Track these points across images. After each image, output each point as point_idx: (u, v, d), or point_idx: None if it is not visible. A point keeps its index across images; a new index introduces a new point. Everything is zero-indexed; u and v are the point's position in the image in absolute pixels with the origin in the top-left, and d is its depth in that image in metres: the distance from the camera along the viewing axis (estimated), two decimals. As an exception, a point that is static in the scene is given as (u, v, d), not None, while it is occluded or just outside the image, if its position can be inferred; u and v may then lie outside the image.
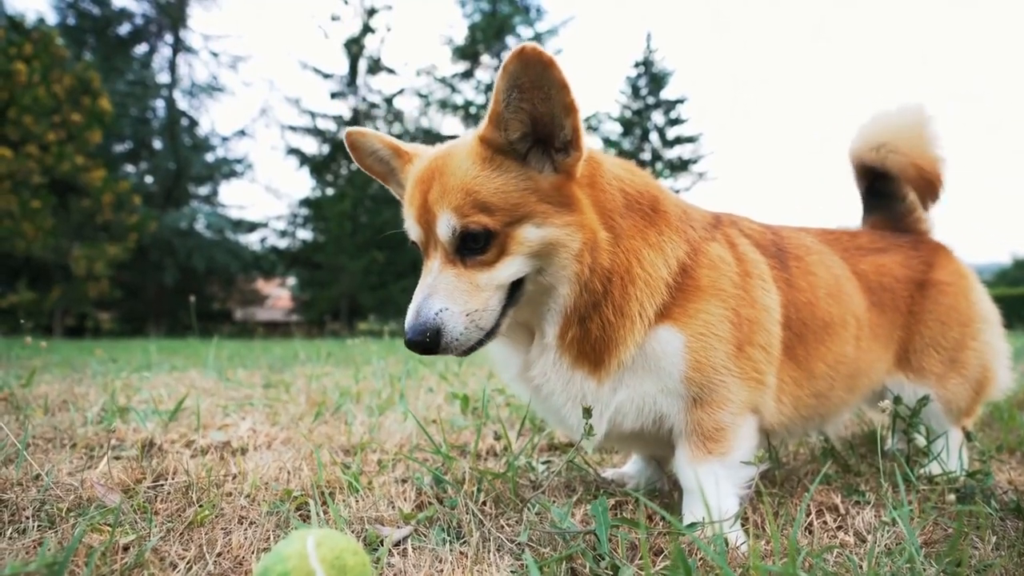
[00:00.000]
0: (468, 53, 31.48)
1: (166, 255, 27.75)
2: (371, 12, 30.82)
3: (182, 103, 31.12)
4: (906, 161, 2.02)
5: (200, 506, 1.43)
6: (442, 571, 1.13)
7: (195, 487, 1.52)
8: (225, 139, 31.71)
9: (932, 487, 1.63)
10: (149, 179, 30.55)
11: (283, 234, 32.49)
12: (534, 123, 1.28)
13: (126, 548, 1.19)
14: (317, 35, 37.85)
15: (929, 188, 2.06)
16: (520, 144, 1.31)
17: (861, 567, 1.14)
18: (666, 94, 33.84)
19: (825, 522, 1.49)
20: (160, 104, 30.82)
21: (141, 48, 30.84)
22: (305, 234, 32.85)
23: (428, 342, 1.24)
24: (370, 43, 31.72)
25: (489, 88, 31.50)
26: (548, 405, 1.50)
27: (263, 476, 1.68)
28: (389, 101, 32.48)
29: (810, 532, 1.42)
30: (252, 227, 31.68)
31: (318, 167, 32.15)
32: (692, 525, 1.31)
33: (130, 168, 30.58)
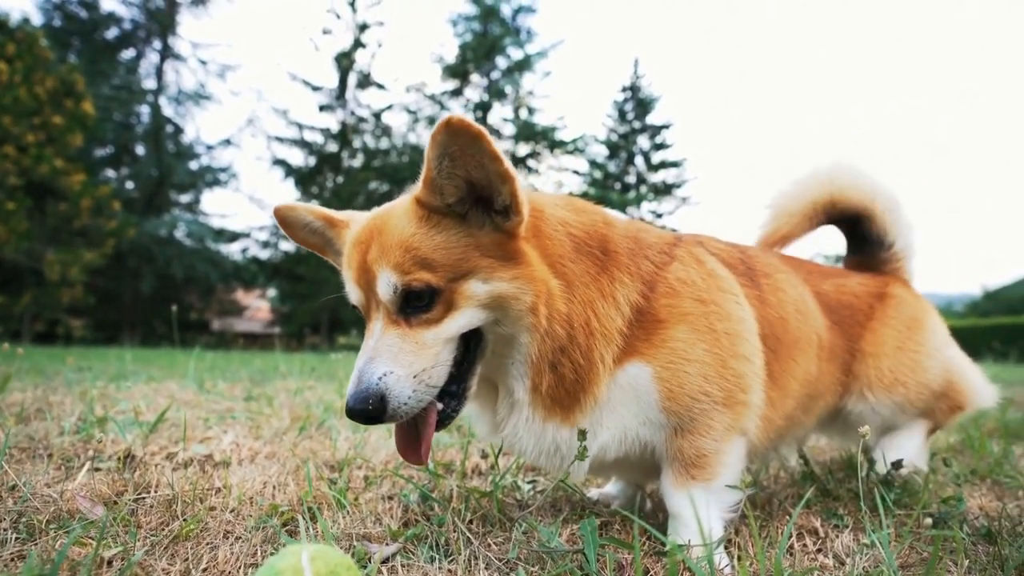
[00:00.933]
0: (458, 72, 31.83)
1: (144, 262, 27.27)
2: (363, 27, 31.06)
3: (168, 110, 30.89)
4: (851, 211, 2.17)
5: (184, 520, 1.41)
6: (431, 589, 1.13)
7: (179, 500, 1.50)
8: (210, 147, 31.50)
9: (908, 513, 1.67)
10: (130, 185, 30.11)
11: (265, 245, 32.18)
12: (470, 187, 1.26)
13: (110, 562, 1.17)
14: (308, 48, 37.97)
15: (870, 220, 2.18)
16: (458, 206, 1.28)
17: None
18: (652, 119, 34.57)
19: (805, 545, 1.52)
20: (145, 110, 30.54)
21: (128, 53, 30.62)
22: (288, 246, 32.53)
23: (371, 409, 1.17)
24: (360, 58, 31.97)
25: (478, 107, 31.85)
26: (528, 460, 1.50)
27: (248, 491, 1.67)
28: (377, 116, 32.59)
29: (791, 554, 1.45)
30: (234, 237, 31.33)
31: (304, 179, 32.02)
32: (678, 547, 1.32)
33: (111, 173, 30.14)
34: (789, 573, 1.22)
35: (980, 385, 2.08)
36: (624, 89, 35.32)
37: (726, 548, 1.44)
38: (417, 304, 1.24)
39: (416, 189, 1.29)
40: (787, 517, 1.70)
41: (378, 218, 1.33)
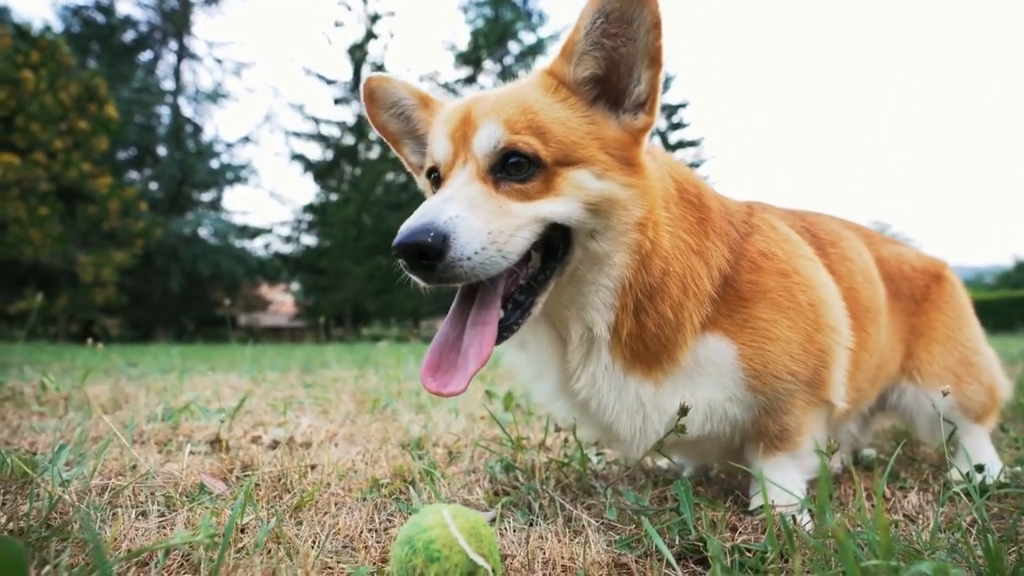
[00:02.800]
0: (471, 59, 31.70)
1: (171, 261, 27.92)
2: (374, 18, 31.05)
3: (187, 110, 31.38)
4: None
5: (297, 494, 1.53)
6: (543, 547, 1.22)
7: (287, 476, 1.62)
8: (229, 145, 31.95)
9: (966, 476, 1.73)
10: (154, 185, 30.75)
11: (287, 240, 32.67)
12: (608, 68, 1.18)
13: (243, 529, 1.29)
14: (321, 41, 38.10)
15: None
16: (588, 87, 1.20)
17: (922, 539, 1.24)
18: (668, 98, 34.06)
19: (874, 505, 1.59)
20: (165, 111, 31.07)
21: (146, 55, 31.13)
22: (309, 239, 33.02)
23: (429, 243, 1.00)
24: (373, 49, 31.99)
25: (492, 93, 31.76)
26: (596, 419, 1.37)
27: (341, 467, 1.79)
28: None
29: (861, 513, 1.52)
30: (256, 233, 31.87)
31: (322, 173, 32.33)
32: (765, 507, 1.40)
33: (135, 175, 30.80)
34: (865, 529, 1.29)
35: (1003, 380, 2.00)
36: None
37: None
38: (514, 172, 1.13)
39: (553, 58, 1.22)
40: (851, 481, 1.77)
41: (494, 89, 1.26)
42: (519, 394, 3.07)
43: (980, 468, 1.67)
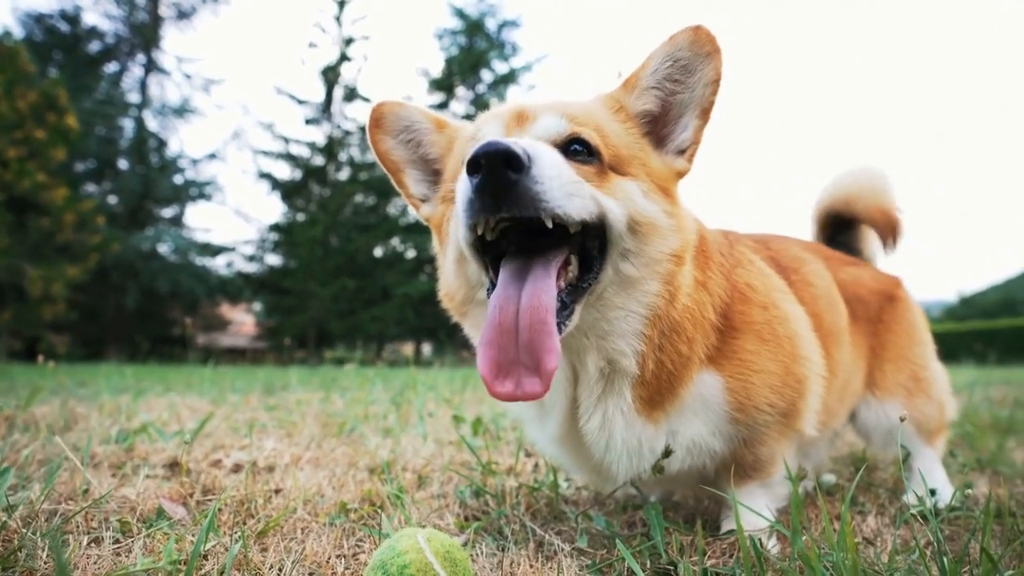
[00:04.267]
0: (444, 85, 32.10)
1: (128, 277, 26.91)
2: (348, 41, 31.22)
3: (152, 123, 30.68)
4: (873, 208, 2.18)
5: (261, 519, 1.48)
6: (516, 572, 1.21)
7: (252, 501, 1.57)
8: (195, 161, 31.27)
9: (920, 500, 1.80)
10: (113, 199, 29.76)
11: (251, 259, 31.96)
12: (663, 108, 1.24)
13: (206, 556, 1.24)
14: (294, 62, 37.97)
15: (891, 230, 2.22)
16: (640, 121, 1.24)
17: (882, 561, 1.28)
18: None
19: (835, 529, 1.63)
20: (129, 123, 30.28)
21: (111, 67, 30.41)
22: (274, 259, 32.37)
23: (517, 152, 0.95)
24: (347, 71, 32.13)
25: (464, 119, 32.05)
26: (597, 459, 1.32)
27: (307, 492, 1.74)
28: (364, 129, 32.60)
29: (824, 537, 1.56)
30: (219, 251, 31.09)
31: (290, 192, 31.93)
32: (731, 531, 1.42)
33: (93, 188, 29.77)
34: (830, 550, 1.33)
35: (950, 401, 2.06)
36: (608, 102, 35.85)
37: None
38: (577, 152, 1.13)
39: (617, 86, 1.26)
40: (815, 505, 1.82)
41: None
42: (488, 419, 3.05)
43: (933, 492, 1.74)
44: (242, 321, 37.57)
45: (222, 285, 30.44)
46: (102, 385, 5.45)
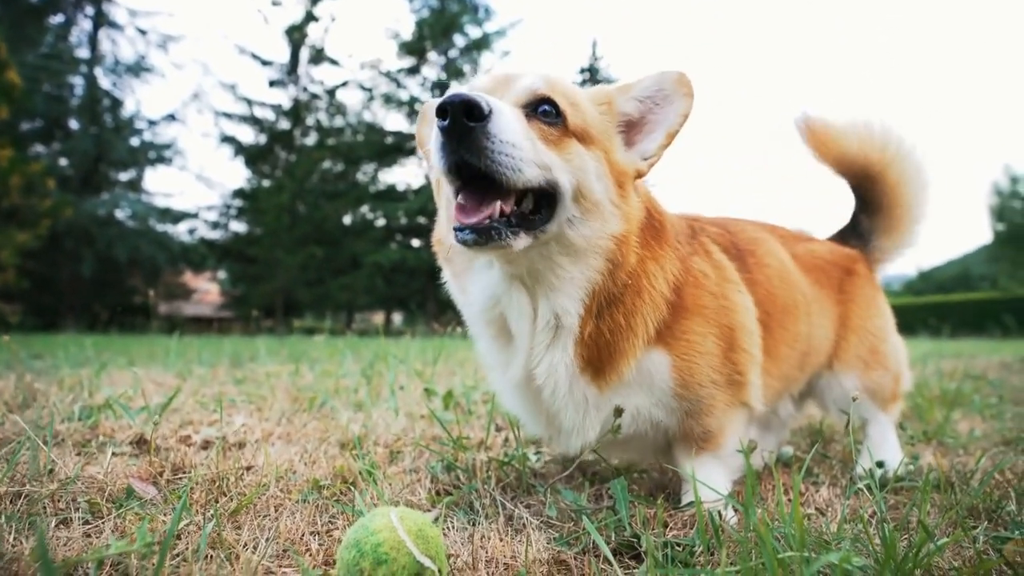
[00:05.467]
0: (415, 49, 31.15)
1: (83, 244, 25.80)
2: (315, 0, 29.92)
3: (104, 81, 28.99)
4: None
5: (232, 497, 1.48)
6: (486, 546, 1.26)
7: (223, 479, 1.57)
8: (152, 123, 29.82)
9: (868, 472, 1.91)
10: (64, 161, 28.26)
11: (215, 226, 31.01)
12: (640, 118, 1.45)
13: (178, 536, 1.24)
14: (256, 20, 36.16)
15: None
16: (618, 120, 1.44)
17: (830, 530, 1.37)
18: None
19: (789, 500, 1.73)
20: (79, 81, 28.57)
21: (57, 19, 28.48)
22: (238, 226, 31.48)
23: (479, 103, 1.08)
24: (313, 32, 30.79)
25: (436, 85, 31.33)
26: (546, 406, 1.46)
27: (279, 469, 1.75)
28: (331, 93, 31.62)
29: (778, 507, 1.65)
30: (180, 217, 29.99)
31: (254, 157, 30.88)
32: (692, 504, 1.50)
33: (41, 149, 28.18)
34: (783, 523, 1.41)
35: (907, 372, 2.15)
36: (582, 71, 35.40)
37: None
38: (545, 113, 1.26)
39: (613, 86, 1.47)
40: (771, 478, 1.91)
41: None
42: (459, 392, 3.08)
43: (881, 464, 1.85)
44: (206, 290, 36.65)
45: (184, 253, 29.47)
46: (61, 357, 5.29)
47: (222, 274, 33.00)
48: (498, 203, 1.18)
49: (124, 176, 30.45)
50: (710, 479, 1.51)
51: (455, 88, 1.18)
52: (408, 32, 31.23)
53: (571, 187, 1.27)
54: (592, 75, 35.06)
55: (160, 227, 28.87)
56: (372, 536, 0.99)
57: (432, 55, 31.53)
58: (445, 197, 1.39)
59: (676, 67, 1.43)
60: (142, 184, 30.48)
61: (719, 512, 1.38)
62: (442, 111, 1.10)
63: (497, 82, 1.33)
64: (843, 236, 2.28)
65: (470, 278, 1.43)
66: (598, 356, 1.40)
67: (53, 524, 1.25)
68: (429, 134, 1.48)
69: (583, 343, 1.38)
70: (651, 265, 1.42)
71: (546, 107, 1.27)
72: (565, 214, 1.28)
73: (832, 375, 2.02)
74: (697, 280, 1.51)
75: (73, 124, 28.51)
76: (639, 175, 1.43)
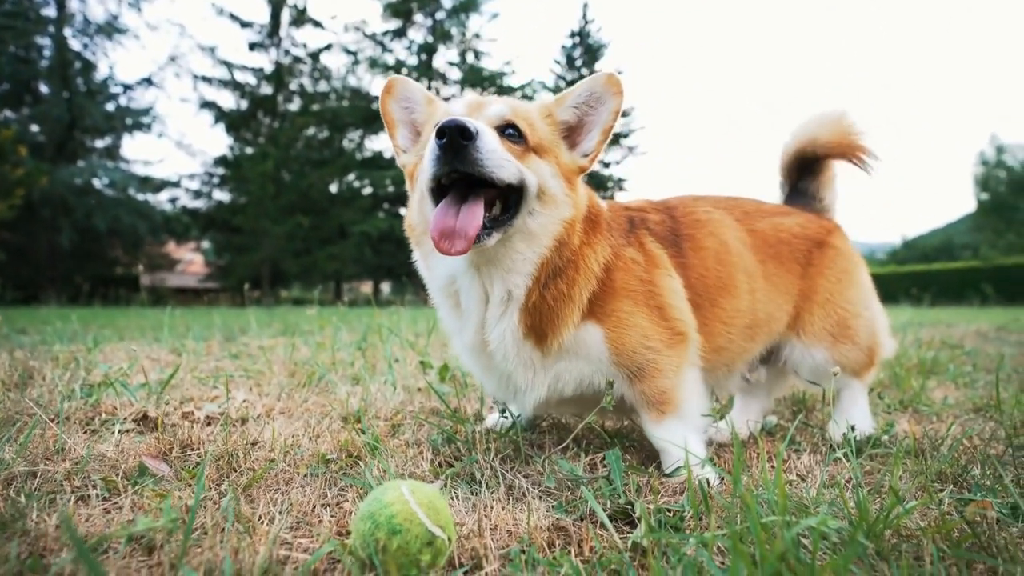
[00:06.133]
0: (401, 11, 30.28)
1: (61, 214, 25.26)
2: (295, -43, 28.80)
3: (74, 43, 27.88)
4: (835, 136, 2.29)
5: (243, 472, 1.54)
6: (489, 514, 1.33)
7: (233, 455, 1.62)
8: (128, 87, 28.90)
9: (847, 438, 2.02)
10: (35, 127, 27.35)
11: (197, 194, 30.44)
12: (578, 122, 1.70)
13: (189, 510, 1.30)
14: (231, -23, 34.73)
15: (857, 151, 2.30)
16: (561, 127, 1.70)
17: (809, 494, 1.46)
18: (600, 66, 34.26)
19: (773, 466, 1.83)
20: (47, 43, 27.45)
21: (20, -25, 27.09)
22: (222, 195, 30.93)
23: (470, 128, 1.37)
24: (294, -9, 29.72)
25: (423, 49, 30.60)
26: (499, 369, 1.71)
27: (284, 444, 1.81)
28: (315, 56, 30.76)
29: (761, 473, 1.75)
30: (161, 186, 29.40)
31: (236, 123, 30.16)
32: (677, 471, 1.59)
33: (10, 114, 27.23)
34: (767, 489, 1.51)
35: (887, 340, 2.22)
36: (573, 35, 34.71)
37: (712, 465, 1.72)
38: (511, 135, 1.56)
39: (551, 100, 1.72)
40: (756, 446, 2.02)
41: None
42: (454, 364, 3.15)
43: (853, 428, 1.95)
44: (190, 260, 36.20)
45: (167, 222, 29.00)
46: (48, 332, 5.27)
47: (206, 244, 32.56)
48: (480, 213, 1.45)
49: (100, 143, 29.65)
50: (675, 439, 1.65)
51: (447, 113, 1.48)
52: (393, -8, 30.27)
53: (534, 186, 1.56)
54: (583, 39, 34.40)
55: (140, 196, 28.30)
56: (386, 508, 1.05)
57: (418, 17, 30.70)
58: (419, 189, 1.60)
59: (605, 71, 1.65)
60: (120, 151, 29.76)
61: (704, 478, 1.48)
62: (441, 133, 1.38)
63: (471, 107, 1.61)
64: (798, 204, 2.34)
65: (435, 260, 1.67)
66: (540, 323, 1.64)
67: (72, 502, 1.30)
68: (396, 109, 1.81)
69: (527, 311, 1.63)
70: (586, 249, 1.68)
71: (511, 130, 1.56)
72: (528, 207, 1.57)
73: (803, 347, 2.09)
74: (627, 266, 1.73)
75: (43, 89, 27.51)
76: (582, 170, 1.69)
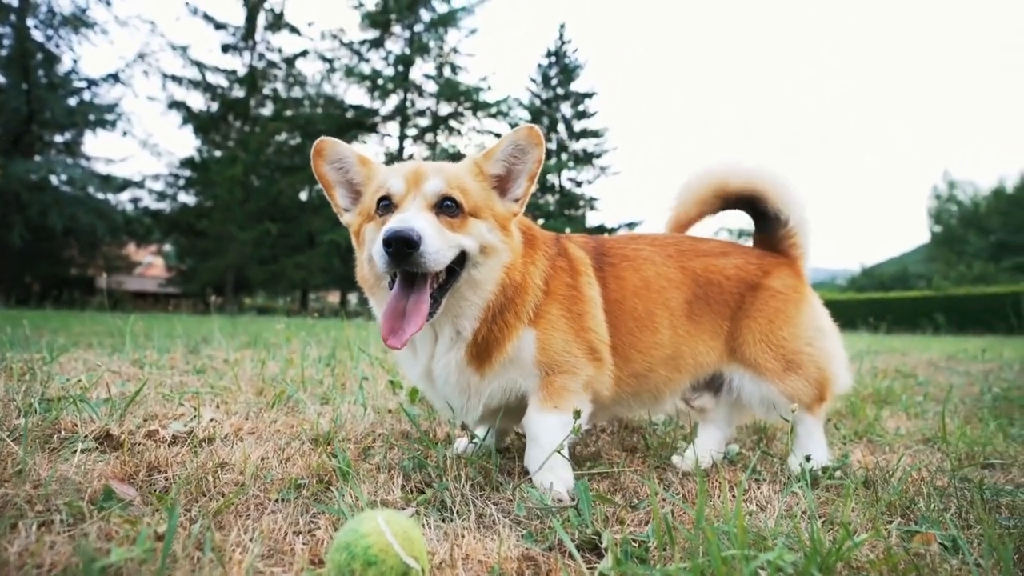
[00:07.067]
0: (379, 21, 30.31)
1: (13, 211, 24.15)
2: (273, -38, 28.59)
3: (36, 34, 26.90)
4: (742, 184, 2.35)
5: (210, 497, 1.53)
6: (460, 544, 1.35)
7: (204, 478, 1.60)
8: (92, 83, 27.97)
9: (801, 469, 2.11)
10: (-10, 119, 26.22)
11: (161, 196, 29.59)
12: (506, 173, 1.87)
13: (160, 537, 1.29)
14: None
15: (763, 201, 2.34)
16: (491, 180, 1.87)
17: (768, 526, 1.53)
18: (576, 86, 34.90)
19: (734, 495, 1.90)
20: (6, 31, 26.42)
21: (-20, -40, 26.13)
22: (187, 198, 30.15)
23: (414, 238, 1.53)
24: (271, -4, 29.47)
25: (399, 60, 30.61)
26: (442, 393, 1.92)
27: (255, 466, 1.79)
28: (290, 62, 30.47)
29: (723, 503, 1.82)
30: (124, 185, 28.43)
31: (205, 125, 29.54)
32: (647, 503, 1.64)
33: (-37, 105, 26.06)
34: (727, 523, 1.57)
35: (841, 374, 2.26)
36: (549, 54, 35.29)
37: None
38: (448, 208, 1.72)
39: (478, 156, 1.87)
40: (718, 474, 2.09)
41: (437, 162, 1.87)
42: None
43: (808, 458, 2.03)
44: (149, 263, 35.03)
45: (127, 224, 28.02)
46: (2, 338, 5.04)
47: (168, 247, 31.61)
48: (426, 302, 1.67)
49: (60, 139, 28.56)
50: (553, 439, 1.79)
51: (392, 223, 1.59)
52: (372, 3, 30.32)
53: (475, 249, 1.75)
54: (559, 58, 34.99)
55: (100, 195, 27.28)
56: (362, 539, 1.07)
57: (397, 28, 30.77)
58: (367, 248, 1.79)
59: (525, 124, 1.82)
60: (81, 148, 28.68)
61: (671, 512, 1.53)
62: (387, 243, 1.55)
63: (408, 182, 1.74)
64: (763, 239, 2.43)
65: None
66: (486, 350, 1.83)
67: (34, 527, 1.27)
68: (330, 171, 1.94)
69: (475, 344, 1.83)
70: (531, 267, 1.89)
71: (448, 202, 1.72)
72: (472, 262, 1.76)
73: (751, 380, 2.17)
74: (556, 272, 1.94)
75: (0, 79, 26.44)
76: (515, 214, 1.87)
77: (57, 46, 27.39)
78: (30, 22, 26.63)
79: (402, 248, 1.54)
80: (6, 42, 26.31)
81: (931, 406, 3.62)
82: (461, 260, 1.75)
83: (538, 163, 1.83)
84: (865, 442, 2.64)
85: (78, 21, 27.47)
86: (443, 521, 1.51)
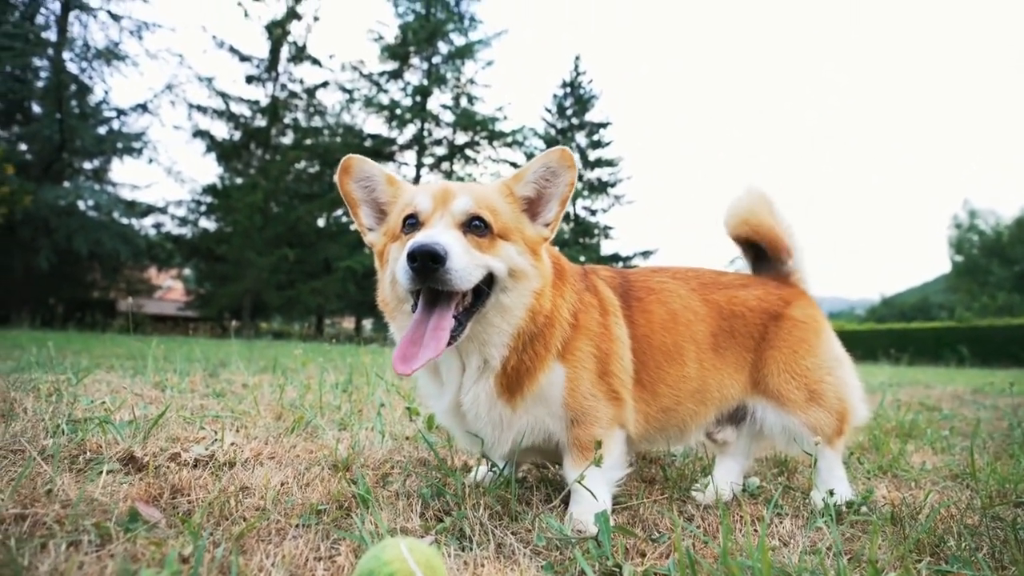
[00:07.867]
0: (398, 54, 31.15)
1: (41, 234, 24.84)
2: (298, -3, 29.68)
3: (71, 66, 28.06)
4: (752, 231, 2.37)
5: (235, 520, 1.54)
6: (480, 574, 1.35)
7: (228, 502, 1.62)
8: (122, 112, 28.97)
9: (824, 503, 2.06)
10: (23, 146, 27.18)
11: (183, 221, 30.25)
12: (537, 195, 1.81)
13: (185, 560, 1.30)
14: (236, 13, 35.61)
15: (775, 247, 2.36)
16: (521, 202, 1.81)
17: (792, 562, 1.50)
18: (590, 116, 35.37)
19: (756, 529, 1.87)
20: (44, 64, 27.58)
21: (23, -2, 27.46)
22: (208, 223, 30.77)
23: (440, 252, 1.48)
24: (295, 29, 30.57)
25: (418, 91, 31.32)
26: (471, 427, 1.85)
27: (274, 491, 1.80)
28: (311, 92, 31.32)
29: (745, 536, 1.78)
30: (148, 211, 29.16)
31: (228, 153, 30.31)
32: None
33: (1, 132, 27.09)
34: (751, 556, 1.54)
35: (859, 405, 2.24)
36: (564, 85, 35.92)
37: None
38: (476, 228, 1.67)
39: (508, 178, 1.83)
40: (739, 508, 2.05)
41: (469, 182, 1.88)
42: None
43: (831, 493, 1.98)
44: (169, 287, 35.61)
45: (150, 248, 28.61)
46: (24, 360, 5.15)
47: (188, 272, 32.17)
48: (447, 327, 1.60)
49: (89, 165, 29.48)
50: (595, 488, 1.75)
51: (418, 237, 1.54)
52: (392, 36, 31.22)
53: (504, 272, 1.69)
54: (574, 89, 35.59)
55: (125, 220, 27.98)
56: (385, 566, 1.07)
57: (415, 60, 31.57)
58: (390, 269, 1.74)
59: (558, 146, 1.78)
60: (108, 175, 29.57)
61: (691, 545, 1.51)
62: (412, 257, 1.49)
63: (436, 200, 1.69)
64: (771, 273, 2.40)
65: None
66: (517, 381, 1.77)
67: (63, 547, 1.29)
68: (356, 189, 1.89)
69: (504, 374, 1.76)
70: (559, 300, 1.83)
71: (477, 222, 1.67)
72: (501, 286, 1.70)
73: (773, 411, 2.15)
74: (586, 309, 1.89)
75: (36, 108, 27.48)
76: (546, 239, 1.82)
77: (90, 78, 28.51)
78: (66, 55, 27.81)
79: (427, 263, 1.47)
80: (43, 74, 27.48)
81: (958, 441, 3.53)
82: (489, 283, 1.68)
83: (570, 187, 1.77)
84: (890, 477, 2.58)
85: (111, 54, 28.61)
86: (462, 550, 1.51)
